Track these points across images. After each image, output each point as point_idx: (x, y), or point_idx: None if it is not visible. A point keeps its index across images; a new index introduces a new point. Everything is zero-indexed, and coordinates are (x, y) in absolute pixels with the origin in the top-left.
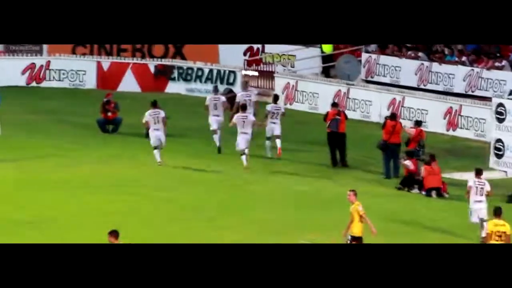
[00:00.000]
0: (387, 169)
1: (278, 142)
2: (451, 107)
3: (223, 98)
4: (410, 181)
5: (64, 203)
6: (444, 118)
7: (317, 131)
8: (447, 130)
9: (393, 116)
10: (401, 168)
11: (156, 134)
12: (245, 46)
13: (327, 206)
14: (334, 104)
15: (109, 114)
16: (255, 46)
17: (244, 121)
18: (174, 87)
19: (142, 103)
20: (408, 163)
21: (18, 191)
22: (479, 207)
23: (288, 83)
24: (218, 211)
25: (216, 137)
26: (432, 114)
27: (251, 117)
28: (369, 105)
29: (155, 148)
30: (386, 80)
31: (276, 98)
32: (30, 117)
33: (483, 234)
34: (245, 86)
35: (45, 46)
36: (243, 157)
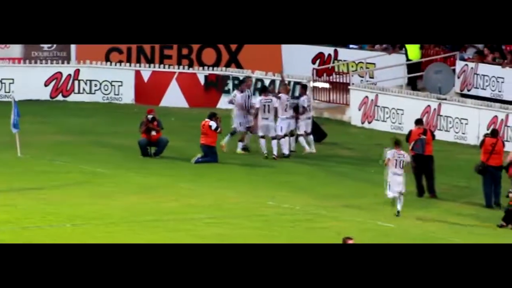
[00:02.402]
0: (487, 196)
1: (311, 138)
2: None
3: (275, 100)
4: None
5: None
6: None
7: None
8: None
9: (494, 133)
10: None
11: (263, 124)
12: (314, 53)
13: None
14: (418, 121)
15: (154, 133)
16: (326, 53)
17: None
18: None
19: (189, 121)
20: None
21: (42, 230)
22: (397, 180)
23: (366, 97)
24: None
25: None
26: None
27: (276, 102)
28: (465, 124)
29: (262, 137)
30: (486, 93)
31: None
32: (56, 137)
33: (399, 208)
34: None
35: (73, 52)
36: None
